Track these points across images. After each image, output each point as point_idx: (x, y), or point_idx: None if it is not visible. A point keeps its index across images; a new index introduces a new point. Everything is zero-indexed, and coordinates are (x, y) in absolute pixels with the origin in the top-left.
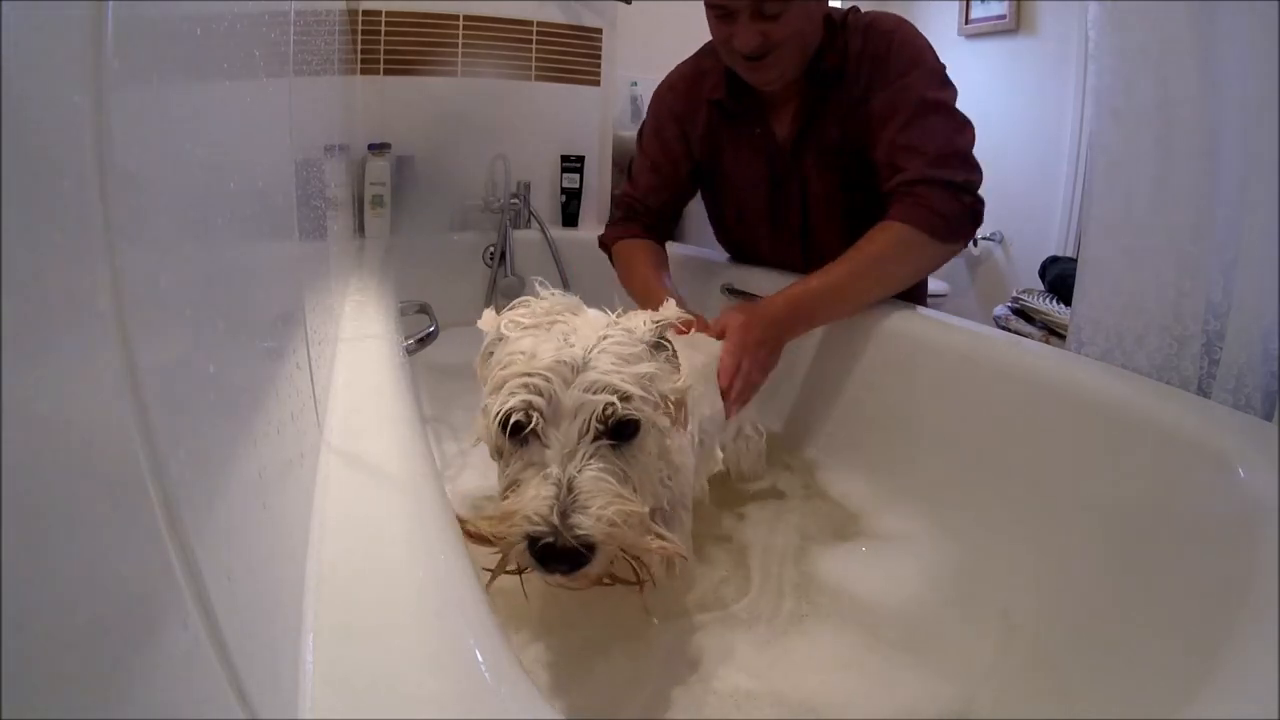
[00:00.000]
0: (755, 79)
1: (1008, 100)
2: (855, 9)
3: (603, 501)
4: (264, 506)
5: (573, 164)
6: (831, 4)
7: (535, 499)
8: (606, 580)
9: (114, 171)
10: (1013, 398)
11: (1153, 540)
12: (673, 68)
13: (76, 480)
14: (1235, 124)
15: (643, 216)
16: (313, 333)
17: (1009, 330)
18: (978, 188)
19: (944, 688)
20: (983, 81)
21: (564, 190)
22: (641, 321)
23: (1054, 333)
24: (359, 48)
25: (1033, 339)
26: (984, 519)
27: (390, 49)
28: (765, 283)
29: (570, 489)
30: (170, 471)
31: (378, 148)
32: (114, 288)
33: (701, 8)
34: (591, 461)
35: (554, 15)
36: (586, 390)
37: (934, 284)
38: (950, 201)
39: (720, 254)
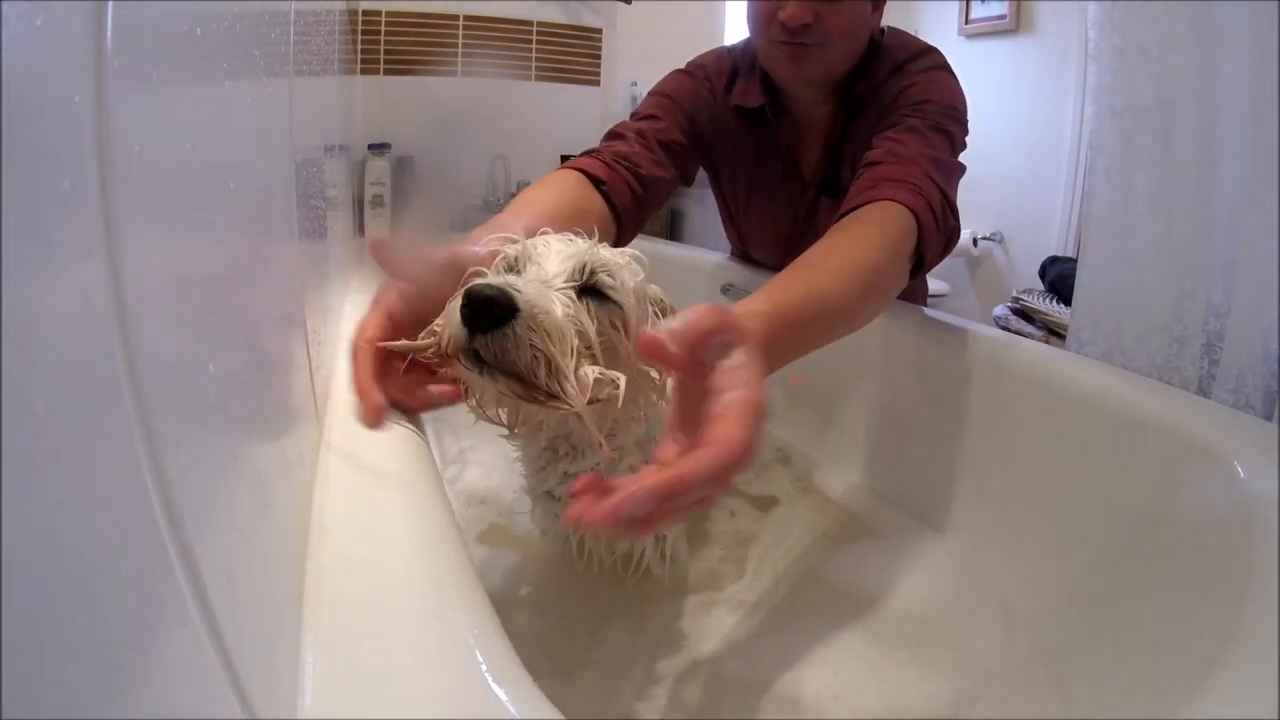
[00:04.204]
0: (791, 70)
1: (1008, 100)
2: (889, 30)
3: (547, 302)
4: (264, 506)
5: None
6: None
7: (490, 277)
8: (538, 394)
9: (114, 170)
10: (1013, 397)
11: (1152, 540)
12: (673, 67)
13: (77, 481)
14: (1235, 124)
15: (603, 153)
16: (313, 333)
17: (1009, 330)
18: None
19: (942, 686)
20: (983, 81)
21: None
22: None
23: (1054, 333)
24: (359, 48)
25: (1033, 339)
26: (983, 518)
27: (390, 49)
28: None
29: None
30: (170, 471)
31: (378, 148)
32: (114, 287)
33: (701, 8)
34: (558, 292)
35: (554, 15)
36: (576, 249)
37: (934, 284)
38: (942, 204)
39: (719, 254)
